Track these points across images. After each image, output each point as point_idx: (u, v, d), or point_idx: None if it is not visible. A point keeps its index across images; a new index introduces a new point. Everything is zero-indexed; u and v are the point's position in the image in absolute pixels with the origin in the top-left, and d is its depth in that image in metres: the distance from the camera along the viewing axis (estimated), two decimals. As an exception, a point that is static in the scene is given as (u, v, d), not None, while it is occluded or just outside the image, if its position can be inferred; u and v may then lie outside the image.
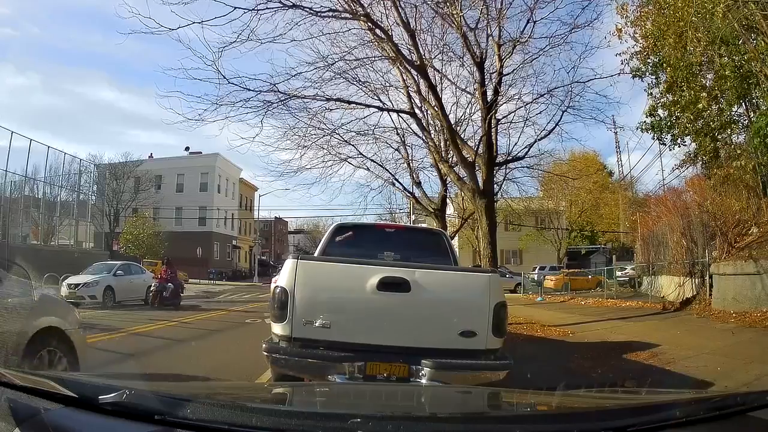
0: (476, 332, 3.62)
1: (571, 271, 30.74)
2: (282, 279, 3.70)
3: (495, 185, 14.12)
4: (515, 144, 24.07)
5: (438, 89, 12.22)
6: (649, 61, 13.41)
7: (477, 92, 11.94)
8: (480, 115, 12.14)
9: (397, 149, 17.17)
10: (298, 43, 11.84)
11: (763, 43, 9.69)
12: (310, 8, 9.76)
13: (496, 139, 12.82)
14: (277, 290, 3.68)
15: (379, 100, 14.15)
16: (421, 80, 12.05)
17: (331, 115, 15.19)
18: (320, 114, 13.81)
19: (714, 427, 1.46)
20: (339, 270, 3.85)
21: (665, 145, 14.42)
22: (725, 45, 10.50)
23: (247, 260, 50.42)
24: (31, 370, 2.98)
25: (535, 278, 29.61)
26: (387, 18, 10.91)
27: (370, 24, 10.27)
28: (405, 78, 13.36)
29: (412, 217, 26.04)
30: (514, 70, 12.29)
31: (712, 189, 14.72)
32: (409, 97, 14.10)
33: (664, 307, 13.24)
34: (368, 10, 10.14)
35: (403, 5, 10.51)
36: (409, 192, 18.28)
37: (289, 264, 3.73)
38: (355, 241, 5.47)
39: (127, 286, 16.24)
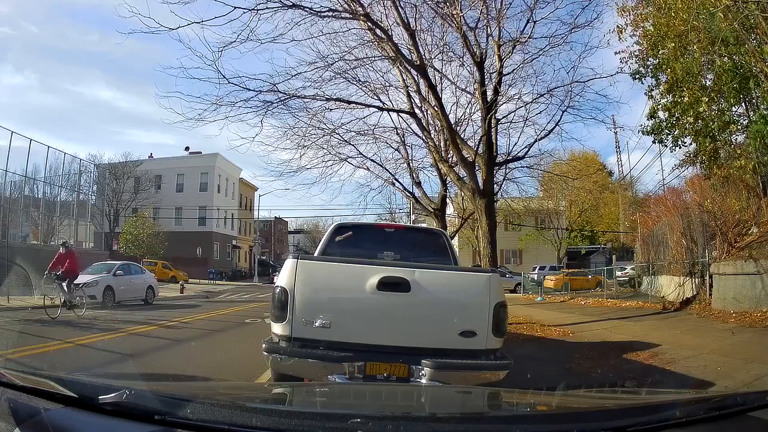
0: (476, 332, 3.62)
1: (570, 271, 30.75)
2: (282, 279, 3.69)
3: (495, 185, 14.11)
4: (515, 144, 24.17)
5: (438, 89, 12.21)
6: (648, 62, 13.39)
7: (477, 92, 11.92)
8: (480, 115, 12.14)
9: (397, 149, 17.18)
10: (298, 43, 11.84)
11: (763, 43, 9.70)
12: (310, 8, 9.76)
13: (496, 139, 12.82)
14: (277, 290, 3.67)
15: (379, 100, 14.14)
16: (421, 80, 12.03)
17: (331, 115, 15.21)
18: (320, 114, 13.80)
19: (714, 427, 1.46)
20: (339, 270, 3.84)
21: (666, 146, 14.39)
22: (725, 45, 10.49)
23: (247, 260, 50.41)
24: (31, 369, 2.98)
25: (535, 278, 29.59)
26: (387, 18, 10.90)
27: (369, 24, 10.26)
28: (405, 78, 13.34)
29: (412, 217, 26.03)
30: (514, 70, 12.31)
31: (712, 189, 14.69)
32: (409, 97, 14.08)
33: (664, 307, 13.22)
34: (368, 10, 10.13)
35: (403, 5, 10.51)
36: (409, 192, 18.28)
37: (289, 264, 3.72)
38: (355, 240, 5.47)
39: (126, 286, 16.26)
